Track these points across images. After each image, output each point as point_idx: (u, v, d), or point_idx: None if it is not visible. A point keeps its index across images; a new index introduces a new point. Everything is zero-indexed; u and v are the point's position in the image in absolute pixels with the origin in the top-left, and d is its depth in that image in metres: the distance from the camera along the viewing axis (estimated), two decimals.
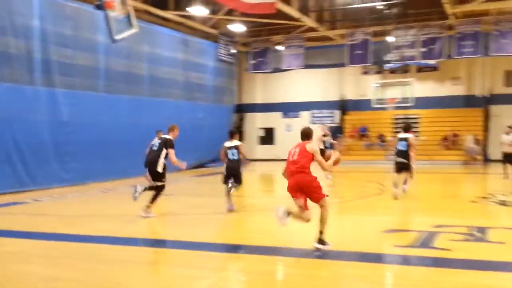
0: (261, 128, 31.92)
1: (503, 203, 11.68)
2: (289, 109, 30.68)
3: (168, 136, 10.18)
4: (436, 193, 14.52)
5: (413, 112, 27.80)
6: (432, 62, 26.47)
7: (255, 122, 31.69)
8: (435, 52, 23.35)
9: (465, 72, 27.77)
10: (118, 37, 16.37)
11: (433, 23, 23.33)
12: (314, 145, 7.33)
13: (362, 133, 27.70)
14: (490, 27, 22.50)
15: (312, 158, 7.18)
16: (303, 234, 8.48)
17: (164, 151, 9.94)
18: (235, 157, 10.73)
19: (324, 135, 16.18)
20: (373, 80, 27.31)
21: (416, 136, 25.57)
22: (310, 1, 23.88)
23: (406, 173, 12.47)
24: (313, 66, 27.42)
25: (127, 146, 19.23)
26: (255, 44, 27.13)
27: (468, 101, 27.90)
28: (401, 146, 11.92)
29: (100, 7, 15.63)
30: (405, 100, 24.72)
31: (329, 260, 6.79)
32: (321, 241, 7.16)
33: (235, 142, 10.81)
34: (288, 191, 7.25)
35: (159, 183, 10.07)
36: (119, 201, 13.34)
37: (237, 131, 11.33)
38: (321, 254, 6.98)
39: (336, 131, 27.11)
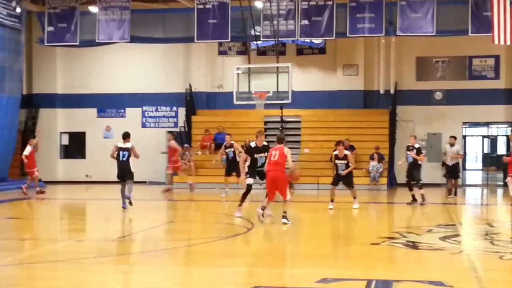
0: (65, 132, 30.99)
1: (413, 245, 12.23)
2: (109, 104, 30.62)
3: (252, 144, 16.11)
4: (325, 232, 14.98)
5: (291, 113, 28.43)
6: (317, 41, 27.44)
7: (55, 123, 30.72)
8: (322, 27, 24.00)
9: (364, 58, 29.09)
10: None
11: None
12: (287, 149, 15.06)
13: (220, 142, 26.60)
14: None
15: (285, 159, 14.74)
16: None
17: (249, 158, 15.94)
18: (125, 158, 17.58)
19: (227, 147, 22.28)
20: (235, 65, 27.20)
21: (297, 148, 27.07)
22: None
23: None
24: (145, 39, 26.89)
25: None
26: (54, 1, 25.79)
27: (368, 99, 29.06)
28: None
29: None
30: (280, 95, 24.69)
31: None
32: (285, 218, 14.64)
33: (127, 144, 17.68)
34: (267, 182, 14.97)
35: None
36: None
37: (129, 134, 17.98)
38: None
39: (180, 139, 27.52)
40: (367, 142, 27.67)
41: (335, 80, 29.58)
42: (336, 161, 18.44)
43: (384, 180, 26.93)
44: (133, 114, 30.47)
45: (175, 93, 30.16)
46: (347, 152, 18.72)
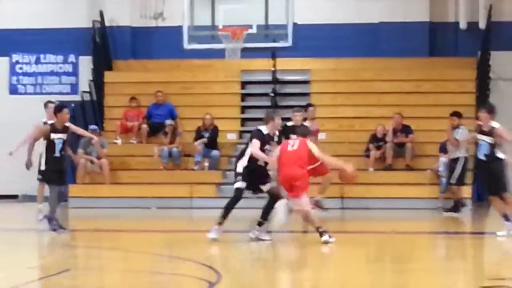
0: None
1: None
2: None
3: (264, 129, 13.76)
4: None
5: (293, 65, 23.22)
6: None
7: None
8: None
9: None
10: None
11: None
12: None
13: (158, 122, 22.56)
14: None
15: (308, 152, 12.37)
16: None
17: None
18: None
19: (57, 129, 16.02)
20: None
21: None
22: None
23: None
24: None
25: None
26: None
27: (438, 39, 23.61)
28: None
29: None
30: (271, 32, 21.88)
31: None
32: (324, 233, 11.63)
33: None
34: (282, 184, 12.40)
35: None
36: None
37: None
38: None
39: (83, 116, 21.83)
40: (436, 120, 21.00)
41: (376, 4, 23.07)
42: (479, 137, 14.73)
43: (466, 191, 20.10)
44: None
45: (72, 30, 23.22)
46: (495, 124, 14.55)
